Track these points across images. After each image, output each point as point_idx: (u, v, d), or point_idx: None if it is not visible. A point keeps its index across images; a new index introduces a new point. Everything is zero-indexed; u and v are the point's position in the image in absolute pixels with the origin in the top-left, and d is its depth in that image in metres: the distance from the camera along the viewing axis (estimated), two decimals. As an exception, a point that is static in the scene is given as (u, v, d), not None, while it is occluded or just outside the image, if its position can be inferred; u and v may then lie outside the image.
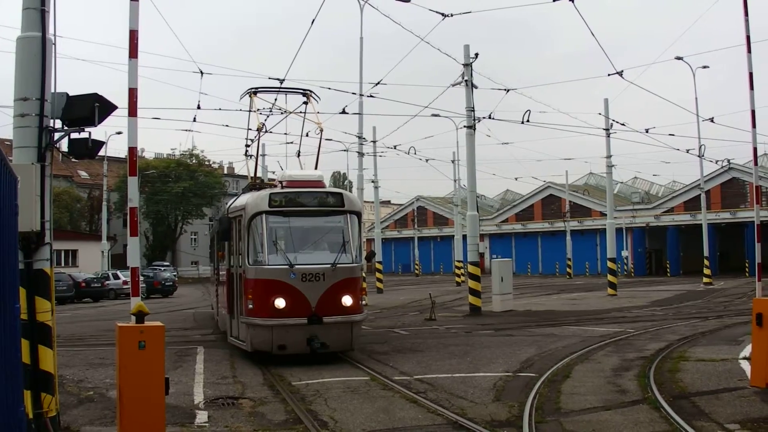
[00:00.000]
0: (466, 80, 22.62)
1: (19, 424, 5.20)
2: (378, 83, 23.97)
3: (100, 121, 7.51)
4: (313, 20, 18.04)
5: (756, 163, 15.46)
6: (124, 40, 8.59)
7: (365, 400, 8.92)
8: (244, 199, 13.06)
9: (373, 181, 38.31)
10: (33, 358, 6.82)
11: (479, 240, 24.61)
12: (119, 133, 36.69)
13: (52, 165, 7.44)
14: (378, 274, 37.62)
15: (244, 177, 48.92)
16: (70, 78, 13.08)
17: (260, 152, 25.43)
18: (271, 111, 17.97)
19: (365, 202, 38.97)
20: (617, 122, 29.19)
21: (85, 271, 41.58)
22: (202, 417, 8.11)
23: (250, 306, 11.79)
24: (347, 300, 11.96)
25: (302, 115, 15.47)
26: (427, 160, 38.28)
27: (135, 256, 8.93)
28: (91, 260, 47.89)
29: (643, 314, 21.31)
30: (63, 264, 46.75)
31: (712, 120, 29.38)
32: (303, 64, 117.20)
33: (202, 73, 19.29)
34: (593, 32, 18.60)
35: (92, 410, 8.59)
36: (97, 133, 7.80)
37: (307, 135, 20.32)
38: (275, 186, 13.17)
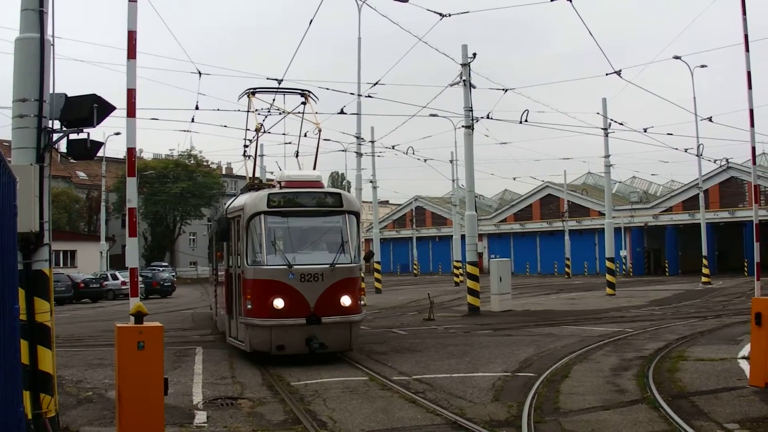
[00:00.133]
0: (464, 80, 22.64)
1: (18, 424, 5.20)
2: (376, 83, 23.99)
3: (99, 121, 7.51)
4: (311, 20, 18.11)
5: (754, 163, 15.44)
6: (123, 41, 8.58)
7: (364, 400, 8.92)
8: (242, 200, 13.04)
9: (371, 181, 38.36)
10: (32, 358, 6.82)
11: (478, 240, 24.62)
12: (118, 133, 36.63)
13: (51, 166, 7.45)
14: (376, 274, 37.64)
15: (243, 177, 48.86)
16: (68, 79, 13.02)
17: (259, 152, 25.55)
18: (269, 111, 17.93)
19: (363, 202, 38.92)
20: (615, 122, 29.14)
21: (84, 272, 41.56)
22: (200, 417, 8.12)
23: (249, 306, 11.78)
24: (346, 300, 11.96)
25: (300, 115, 15.46)
26: (425, 160, 38.40)
27: (134, 256, 8.91)
28: (89, 261, 47.93)
29: (642, 314, 21.33)
30: (62, 265, 46.80)
31: (710, 119, 29.43)
32: (301, 64, 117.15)
33: (200, 73, 19.30)
34: (591, 32, 18.68)
35: (91, 411, 8.60)
36: (95, 133, 7.81)
37: (305, 135, 20.27)
38: (274, 186, 13.16)
